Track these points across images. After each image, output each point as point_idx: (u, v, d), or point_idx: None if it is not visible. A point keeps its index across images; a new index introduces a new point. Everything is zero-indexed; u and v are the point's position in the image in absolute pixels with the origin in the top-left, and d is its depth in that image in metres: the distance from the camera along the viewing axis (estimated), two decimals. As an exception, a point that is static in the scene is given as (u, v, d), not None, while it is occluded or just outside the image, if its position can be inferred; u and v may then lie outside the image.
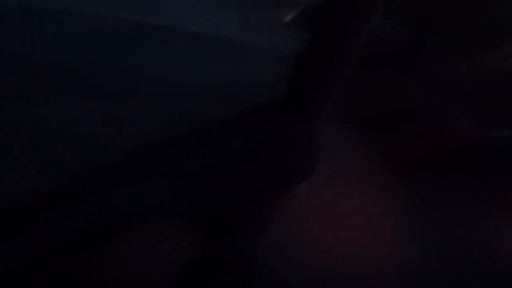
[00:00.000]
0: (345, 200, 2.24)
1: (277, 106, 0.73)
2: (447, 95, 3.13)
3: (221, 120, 0.66)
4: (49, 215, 0.39)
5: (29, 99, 2.37)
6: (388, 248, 2.04)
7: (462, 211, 2.40)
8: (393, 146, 2.98)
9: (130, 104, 2.65)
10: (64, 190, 0.42)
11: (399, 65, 3.27)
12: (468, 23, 3.28)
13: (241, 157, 0.58)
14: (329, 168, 2.50)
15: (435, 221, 2.32)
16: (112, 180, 0.44)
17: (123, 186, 0.44)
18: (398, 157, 2.86)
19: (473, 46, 3.29)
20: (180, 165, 0.50)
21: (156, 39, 3.75)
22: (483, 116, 3.02)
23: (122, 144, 2.20)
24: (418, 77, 3.15)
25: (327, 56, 0.66)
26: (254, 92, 2.99)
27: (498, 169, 2.60)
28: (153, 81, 3.06)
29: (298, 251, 1.22)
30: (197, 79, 3.22)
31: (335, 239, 1.96)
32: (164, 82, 3.06)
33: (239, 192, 0.55)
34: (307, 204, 2.11)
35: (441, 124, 2.98)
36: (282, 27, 3.95)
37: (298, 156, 0.70)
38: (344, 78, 0.69)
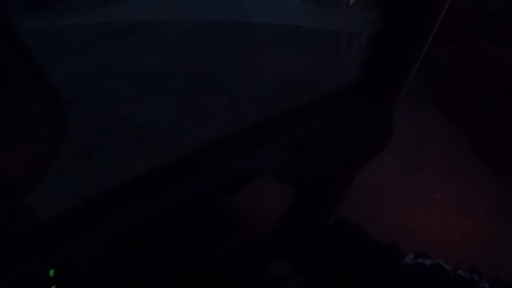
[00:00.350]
0: (425, 193, 2.08)
1: (356, 87, 0.76)
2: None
3: (309, 102, 0.73)
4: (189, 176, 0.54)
5: (125, 99, 2.79)
6: (467, 249, 1.84)
7: None
8: (486, 133, 2.57)
9: (211, 97, 2.91)
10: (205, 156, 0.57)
11: (496, 34, 2.76)
12: None
13: (328, 132, 0.66)
14: (412, 157, 2.34)
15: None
16: (233, 148, 0.58)
17: (240, 152, 0.58)
18: (492, 147, 2.47)
19: None
20: (281, 138, 0.62)
21: (233, 35, 3.98)
22: None
23: (204, 132, 2.46)
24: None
25: (401, 34, 0.64)
26: (333, 76, 2.97)
27: None
28: (236, 74, 3.28)
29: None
30: (277, 69, 3.34)
31: (409, 233, 1.84)
32: (248, 75, 3.25)
33: (327, 161, 0.63)
34: (385, 194, 2.03)
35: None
36: (349, 9, 3.76)
37: (373, 132, 0.72)
38: (423, 55, 0.66)
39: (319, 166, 0.64)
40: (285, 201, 0.48)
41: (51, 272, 0.42)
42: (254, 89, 3.06)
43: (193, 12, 4.26)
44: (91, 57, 3.25)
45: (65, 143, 0.60)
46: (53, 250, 0.46)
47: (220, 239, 0.51)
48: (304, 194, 0.54)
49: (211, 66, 3.36)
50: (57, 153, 0.58)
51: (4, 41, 0.47)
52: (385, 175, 2.24)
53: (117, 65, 3.23)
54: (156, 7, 4.35)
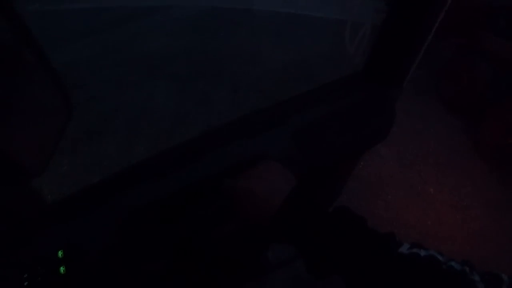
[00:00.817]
0: (420, 186, 2.10)
1: (359, 76, 0.76)
2: None
3: (312, 89, 0.73)
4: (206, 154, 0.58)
5: (127, 84, 2.79)
6: (458, 244, 1.87)
7: None
8: (487, 128, 2.55)
9: (213, 84, 2.90)
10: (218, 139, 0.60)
11: (505, 27, 2.68)
12: None
13: (331, 119, 0.67)
14: (409, 150, 2.35)
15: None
16: (237, 133, 0.60)
17: (244, 137, 0.60)
18: (493, 142, 2.49)
19: None
20: (284, 124, 0.64)
21: (236, 22, 3.93)
22: None
23: (205, 119, 2.48)
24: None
25: (406, 23, 0.64)
26: (337, 65, 2.95)
27: None
28: (239, 62, 3.26)
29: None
30: (280, 58, 3.31)
31: (401, 225, 1.86)
32: (251, 62, 3.23)
33: (329, 147, 0.64)
34: (379, 186, 2.06)
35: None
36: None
37: (376, 120, 0.74)
38: (426, 45, 0.67)
39: (322, 152, 0.66)
40: (288, 185, 0.50)
41: (60, 253, 0.45)
42: (257, 76, 3.05)
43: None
44: (93, 42, 3.23)
45: (68, 128, 0.61)
46: (61, 231, 0.49)
47: (223, 221, 0.53)
48: (307, 180, 0.56)
49: (214, 53, 3.34)
50: (61, 138, 0.60)
51: (8, 26, 0.48)
52: (381, 167, 2.26)
53: (120, 50, 3.21)
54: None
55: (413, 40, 0.66)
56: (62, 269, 0.44)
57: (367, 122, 0.73)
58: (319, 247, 0.44)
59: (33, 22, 0.59)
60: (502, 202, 2.06)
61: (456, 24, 2.64)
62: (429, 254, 0.39)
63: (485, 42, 2.68)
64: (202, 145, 0.62)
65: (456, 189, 2.14)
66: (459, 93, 2.79)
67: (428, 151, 2.42)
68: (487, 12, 2.73)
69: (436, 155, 2.39)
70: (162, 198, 0.54)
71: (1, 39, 0.49)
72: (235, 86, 2.93)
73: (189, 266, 0.68)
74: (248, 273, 0.99)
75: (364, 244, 0.42)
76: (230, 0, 4.18)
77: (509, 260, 1.71)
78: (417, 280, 0.38)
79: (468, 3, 2.73)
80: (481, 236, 1.85)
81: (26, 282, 0.42)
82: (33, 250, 0.46)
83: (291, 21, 4.01)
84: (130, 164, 0.59)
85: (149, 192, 0.54)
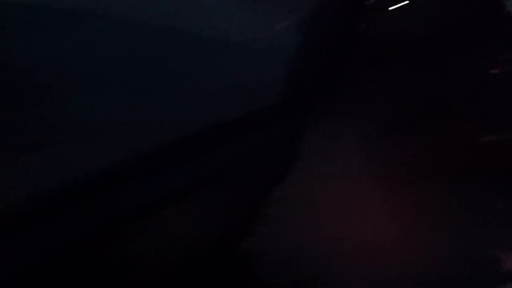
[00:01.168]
0: (339, 204, 2.20)
1: (279, 106, 0.73)
2: (470, 93, 2.95)
3: (227, 121, 0.65)
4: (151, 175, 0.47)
5: (66, 94, 2.54)
6: (397, 253, 2.00)
7: (474, 218, 2.32)
8: (398, 146, 2.82)
9: (136, 103, 2.74)
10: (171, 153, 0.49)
11: (415, 59, 3.02)
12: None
13: (244, 154, 0.61)
14: (326, 169, 2.48)
15: (441, 229, 2.25)
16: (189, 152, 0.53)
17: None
18: (403, 160, 2.70)
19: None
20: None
21: (154, 39, 3.76)
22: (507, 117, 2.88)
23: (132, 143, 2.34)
24: (440, 72, 2.89)
25: (322, 54, 0.64)
26: (259, 93, 3.00)
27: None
28: (160, 81, 3.10)
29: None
30: (201, 82, 3.23)
31: (322, 244, 1.95)
32: (170, 84, 3.08)
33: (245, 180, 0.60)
34: (300, 205, 2.12)
35: (457, 124, 2.78)
36: (282, 27, 3.80)
37: (288, 153, 0.70)
38: (341, 75, 0.67)
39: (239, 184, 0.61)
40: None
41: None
42: (172, 101, 2.90)
43: (124, 11, 3.97)
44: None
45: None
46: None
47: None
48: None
49: (134, 70, 3.12)
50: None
51: None
52: (302, 185, 2.28)
53: (59, 57, 2.91)
54: None
55: (329, 68, 0.67)
56: None
57: (265, 161, 0.68)
58: None
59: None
60: (424, 213, 2.25)
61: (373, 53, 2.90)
62: None
63: (400, 70, 2.97)
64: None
65: (377, 204, 2.26)
66: (374, 112, 3.02)
67: (345, 169, 2.51)
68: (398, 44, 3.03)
69: (351, 173, 2.48)
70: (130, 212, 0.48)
71: None
72: (155, 107, 2.75)
73: (179, 269, 0.61)
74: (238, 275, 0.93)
75: None
76: (154, 14, 4.04)
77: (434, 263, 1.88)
78: None
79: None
80: (419, 245, 1.99)
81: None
82: None
83: (219, 44, 3.94)
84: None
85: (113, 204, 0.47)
